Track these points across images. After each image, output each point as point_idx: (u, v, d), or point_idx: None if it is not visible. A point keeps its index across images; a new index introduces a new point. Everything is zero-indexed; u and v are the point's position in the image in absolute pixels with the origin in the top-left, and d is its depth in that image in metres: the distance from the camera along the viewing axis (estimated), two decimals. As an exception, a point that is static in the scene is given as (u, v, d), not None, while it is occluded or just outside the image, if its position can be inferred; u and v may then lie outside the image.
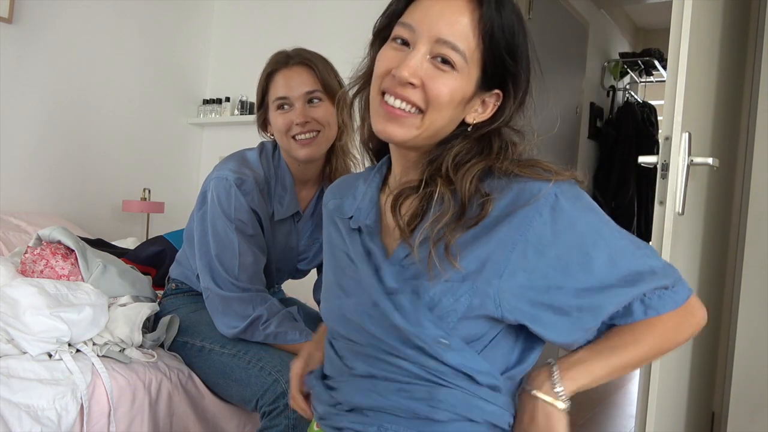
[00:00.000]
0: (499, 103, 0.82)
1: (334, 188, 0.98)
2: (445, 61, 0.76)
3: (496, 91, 0.81)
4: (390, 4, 0.83)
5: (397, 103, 0.77)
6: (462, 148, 0.80)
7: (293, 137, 1.46)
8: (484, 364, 0.79)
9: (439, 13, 0.76)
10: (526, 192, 0.75)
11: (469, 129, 0.82)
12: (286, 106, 1.46)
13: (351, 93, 0.89)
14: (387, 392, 0.80)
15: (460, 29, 0.75)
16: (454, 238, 0.76)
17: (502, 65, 0.78)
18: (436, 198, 0.78)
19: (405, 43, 0.78)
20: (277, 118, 1.47)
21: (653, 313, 0.81)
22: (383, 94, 0.79)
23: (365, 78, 0.86)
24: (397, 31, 0.79)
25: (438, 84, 0.76)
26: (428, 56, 0.76)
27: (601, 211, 0.79)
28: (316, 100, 1.47)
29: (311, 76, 1.47)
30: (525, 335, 0.82)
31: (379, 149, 0.93)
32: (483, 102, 0.82)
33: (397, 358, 0.80)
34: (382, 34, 0.84)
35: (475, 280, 0.76)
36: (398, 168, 0.87)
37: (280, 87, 1.47)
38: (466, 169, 0.78)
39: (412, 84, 0.76)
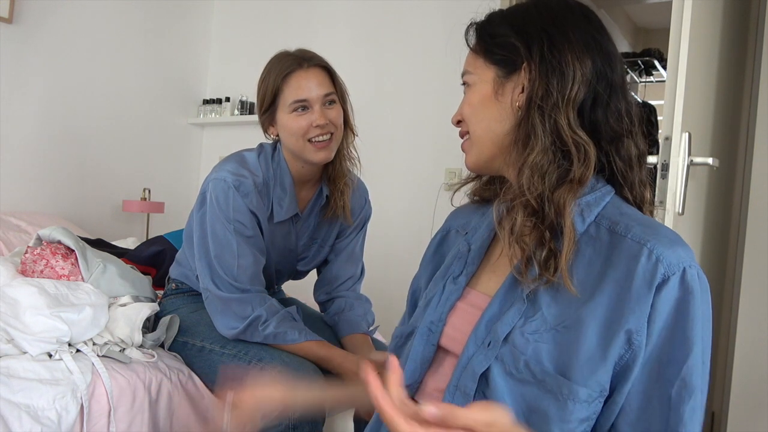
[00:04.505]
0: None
1: (462, 210, 1.00)
2: (464, 84, 0.88)
3: (524, 66, 0.80)
4: None
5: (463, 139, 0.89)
6: (535, 142, 0.77)
7: (309, 140, 1.45)
8: None
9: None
10: (649, 260, 0.71)
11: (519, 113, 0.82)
12: (304, 109, 1.44)
13: None
14: None
15: (468, 58, 0.87)
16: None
17: (498, 50, 0.82)
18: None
19: None
20: (293, 121, 1.45)
21: None
22: None
23: None
24: None
25: (464, 104, 0.87)
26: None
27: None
28: (332, 102, 1.47)
29: (327, 78, 1.47)
30: None
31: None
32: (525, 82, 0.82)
33: None
34: None
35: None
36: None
37: (298, 90, 1.44)
38: (558, 198, 0.75)
39: (460, 120, 0.88)
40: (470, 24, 0.88)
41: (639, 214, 0.79)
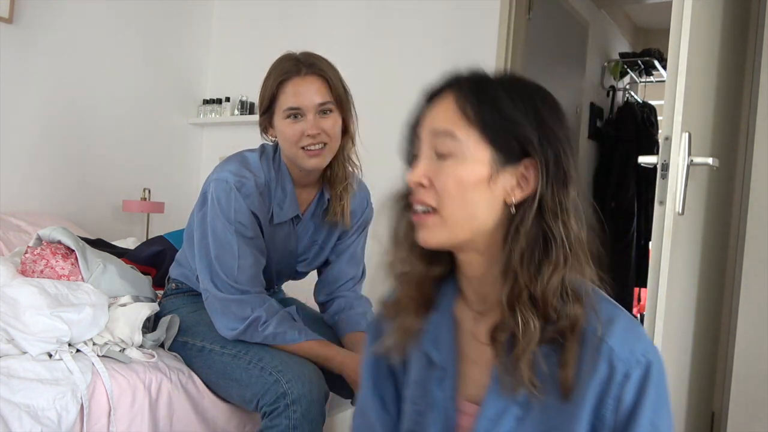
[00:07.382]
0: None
1: None
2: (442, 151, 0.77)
3: (526, 161, 0.75)
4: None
5: (419, 208, 0.78)
6: (523, 242, 0.74)
7: (302, 147, 1.45)
8: None
9: (435, 111, 0.79)
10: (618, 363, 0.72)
11: (513, 211, 0.76)
12: (297, 116, 1.44)
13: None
14: None
15: (449, 115, 0.76)
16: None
17: (508, 136, 0.74)
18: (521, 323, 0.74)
19: (416, 156, 0.81)
20: (286, 128, 1.45)
21: None
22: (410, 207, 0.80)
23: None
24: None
25: (441, 176, 0.76)
26: (433, 153, 0.77)
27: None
28: (327, 111, 1.45)
29: (324, 87, 1.45)
30: None
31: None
32: (523, 176, 0.76)
33: None
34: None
35: None
36: (468, 281, 0.83)
37: (292, 97, 1.43)
38: (545, 283, 0.73)
39: (422, 185, 0.77)
40: (464, 77, 0.78)
41: (591, 289, 0.77)
